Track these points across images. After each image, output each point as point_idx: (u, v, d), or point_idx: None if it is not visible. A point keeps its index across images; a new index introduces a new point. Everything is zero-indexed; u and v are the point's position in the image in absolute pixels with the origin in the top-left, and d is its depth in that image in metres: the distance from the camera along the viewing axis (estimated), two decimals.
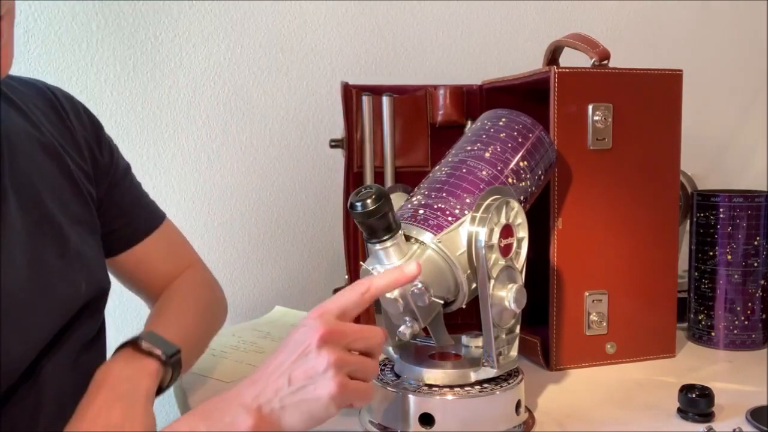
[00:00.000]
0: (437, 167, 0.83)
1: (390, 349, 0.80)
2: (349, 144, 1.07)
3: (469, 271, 0.73)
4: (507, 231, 0.74)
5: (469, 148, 0.83)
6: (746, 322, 1.05)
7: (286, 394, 0.61)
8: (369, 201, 0.66)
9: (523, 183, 0.82)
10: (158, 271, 0.90)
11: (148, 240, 0.88)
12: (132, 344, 0.72)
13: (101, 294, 0.79)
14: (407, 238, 0.73)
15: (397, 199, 0.81)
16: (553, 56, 1.07)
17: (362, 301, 0.65)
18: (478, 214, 0.73)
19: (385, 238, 0.69)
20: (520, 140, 0.83)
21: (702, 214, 1.07)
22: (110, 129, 1.24)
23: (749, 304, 1.05)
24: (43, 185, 0.73)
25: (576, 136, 0.95)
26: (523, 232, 0.76)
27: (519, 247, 0.76)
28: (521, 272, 0.76)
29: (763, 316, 1.06)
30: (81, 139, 0.81)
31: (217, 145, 1.31)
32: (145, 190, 0.92)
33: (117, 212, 0.85)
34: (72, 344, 0.73)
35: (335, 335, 0.62)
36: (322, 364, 0.60)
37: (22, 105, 0.76)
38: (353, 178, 1.08)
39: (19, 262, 0.67)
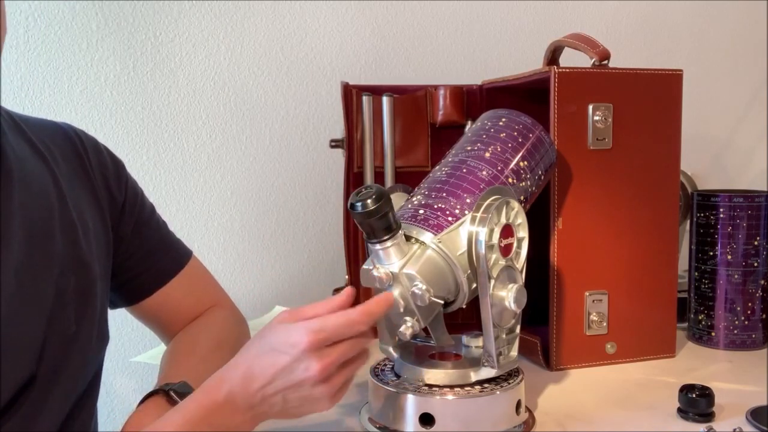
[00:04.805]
0: (437, 167, 0.83)
1: (390, 349, 0.80)
2: (349, 144, 1.07)
3: (469, 271, 0.73)
4: (507, 231, 0.74)
5: (469, 148, 0.83)
6: (746, 322, 1.05)
7: (281, 409, 0.64)
8: (369, 201, 0.66)
9: (524, 183, 0.82)
10: (180, 311, 0.88)
11: (173, 281, 0.87)
12: (164, 394, 0.72)
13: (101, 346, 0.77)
14: (407, 238, 0.72)
15: (397, 199, 0.81)
16: (553, 56, 1.07)
17: (353, 332, 0.64)
18: (479, 214, 0.73)
19: (386, 238, 0.69)
20: (520, 140, 0.83)
21: (702, 214, 1.07)
22: (110, 129, 1.26)
23: (749, 304, 1.05)
24: (52, 225, 0.71)
25: (576, 136, 0.95)
26: (523, 232, 0.76)
27: (519, 247, 0.76)
28: (521, 272, 0.76)
29: (763, 316, 1.06)
30: (99, 179, 0.80)
31: (217, 145, 1.31)
32: (170, 229, 0.90)
33: (144, 253, 0.85)
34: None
35: (330, 368, 0.62)
36: (319, 392, 0.63)
37: (41, 146, 0.75)
38: (353, 178, 1.08)
39: (11, 295, 0.65)
